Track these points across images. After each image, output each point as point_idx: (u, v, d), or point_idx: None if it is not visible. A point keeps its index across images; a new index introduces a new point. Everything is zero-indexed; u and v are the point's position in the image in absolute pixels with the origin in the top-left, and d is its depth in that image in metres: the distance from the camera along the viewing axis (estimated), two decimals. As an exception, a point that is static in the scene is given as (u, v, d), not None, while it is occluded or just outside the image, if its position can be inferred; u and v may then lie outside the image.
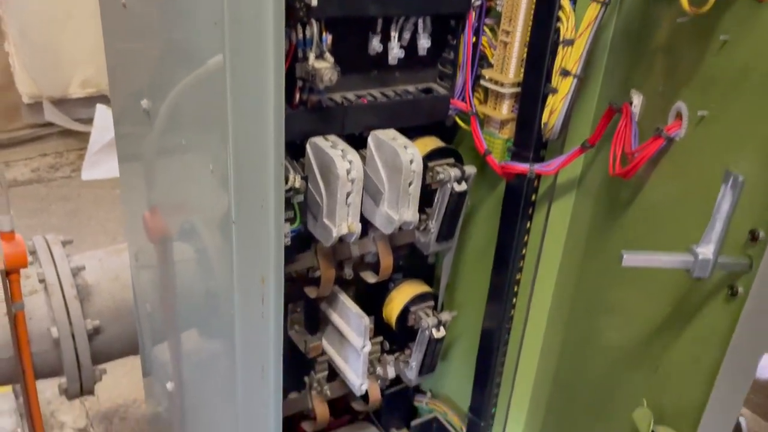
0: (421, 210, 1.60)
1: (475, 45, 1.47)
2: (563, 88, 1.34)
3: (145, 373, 2.43)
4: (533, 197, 1.51)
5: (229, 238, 1.15)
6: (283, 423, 1.74)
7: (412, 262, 1.78)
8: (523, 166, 1.45)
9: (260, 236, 1.15)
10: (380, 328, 1.78)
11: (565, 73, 1.33)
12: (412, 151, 1.39)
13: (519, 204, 1.50)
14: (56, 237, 2.63)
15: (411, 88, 1.52)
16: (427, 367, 1.80)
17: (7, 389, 2.73)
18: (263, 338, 1.23)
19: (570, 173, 1.47)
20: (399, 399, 1.97)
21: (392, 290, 1.77)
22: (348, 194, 1.35)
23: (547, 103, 1.37)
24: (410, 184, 1.41)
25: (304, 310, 1.68)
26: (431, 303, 1.76)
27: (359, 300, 1.75)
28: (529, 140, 1.43)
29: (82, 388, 2.59)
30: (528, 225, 1.54)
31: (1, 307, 2.41)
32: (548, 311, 1.61)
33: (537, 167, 1.44)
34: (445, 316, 1.72)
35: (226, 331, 1.27)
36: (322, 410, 1.69)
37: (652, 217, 1.29)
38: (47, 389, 3.43)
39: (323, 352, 1.66)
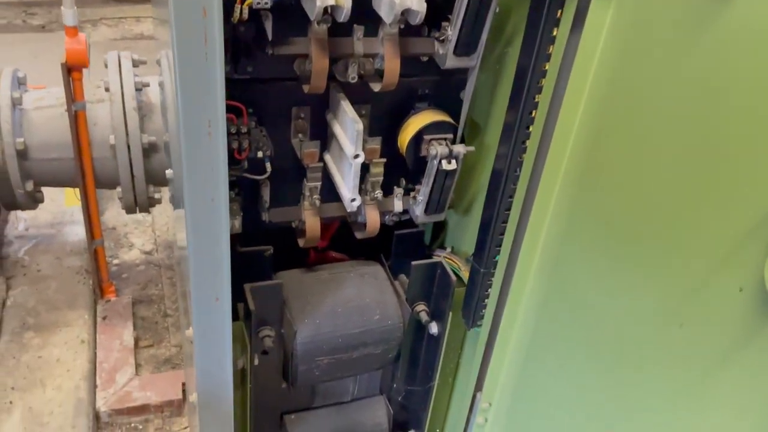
0: (444, 17, 1.41)
1: None
2: None
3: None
4: (558, 13, 1.26)
5: None
6: (277, 241, 1.69)
7: (439, 91, 1.60)
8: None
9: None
10: (395, 163, 1.64)
11: None
12: None
13: (540, 19, 1.27)
14: (129, 53, 2.68)
15: None
16: (435, 204, 1.65)
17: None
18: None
19: None
20: (410, 243, 1.84)
21: (411, 116, 1.61)
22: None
23: None
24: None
25: (309, 117, 1.56)
26: (449, 135, 1.59)
27: (375, 125, 1.61)
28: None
29: (136, 202, 2.70)
30: (550, 49, 1.31)
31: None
32: (566, 158, 1.38)
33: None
34: (459, 148, 1.54)
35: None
36: (312, 223, 1.61)
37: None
38: (124, 214, 3.65)
39: (319, 160, 1.55)
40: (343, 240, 2.03)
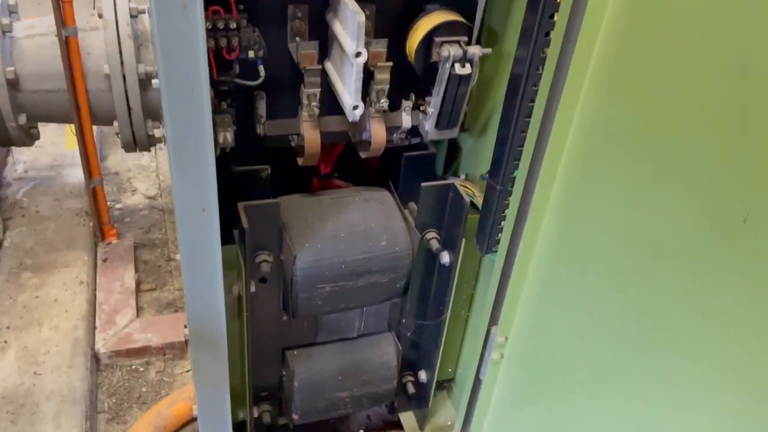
0: None
1: None
2: None
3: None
4: None
5: None
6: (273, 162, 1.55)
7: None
8: None
9: None
10: (403, 73, 1.49)
11: None
12: None
13: None
14: (125, -21, 2.51)
15: None
16: (447, 117, 1.50)
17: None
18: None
19: None
20: (421, 166, 1.69)
21: (420, 18, 1.45)
22: None
23: None
24: None
25: (308, 17, 1.41)
26: (464, 38, 1.43)
27: (380, 27, 1.46)
28: None
29: (135, 139, 2.57)
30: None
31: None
32: (592, 58, 1.22)
33: None
34: (474, 50, 1.39)
35: None
36: (311, 137, 1.46)
37: None
38: (128, 159, 3.53)
39: (318, 63, 1.41)
40: (349, 168, 1.89)
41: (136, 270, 2.75)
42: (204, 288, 1.32)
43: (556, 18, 1.26)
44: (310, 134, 1.46)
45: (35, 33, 2.45)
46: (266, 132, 1.48)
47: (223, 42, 1.30)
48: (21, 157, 3.21)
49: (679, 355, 1.50)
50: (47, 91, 2.46)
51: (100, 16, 2.41)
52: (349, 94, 1.35)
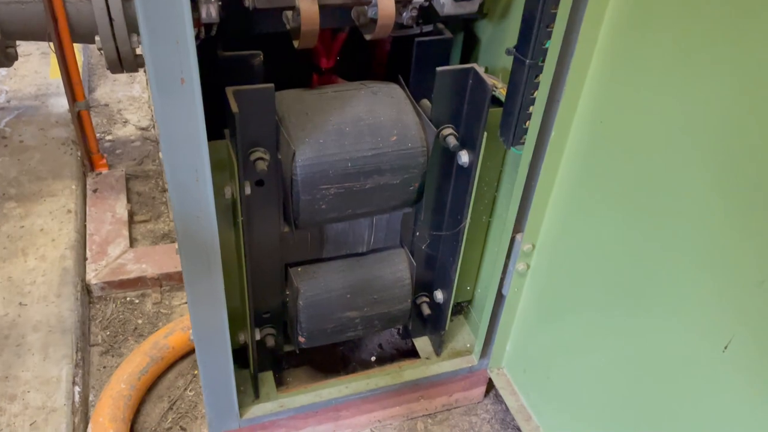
0: None
1: None
2: None
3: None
4: None
5: None
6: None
7: None
8: None
9: None
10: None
11: None
12: None
13: None
14: None
15: None
16: (465, -15, 1.29)
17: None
18: None
19: None
20: (435, 54, 1.48)
21: None
22: None
23: None
24: None
25: None
26: None
27: None
28: None
29: (120, 57, 2.36)
30: None
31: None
32: None
33: None
34: None
35: None
36: (308, 8, 1.26)
37: None
38: (118, 90, 3.33)
39: None
40: (353, 64, 1.69)
41: (129, 201, 2.58)
42: (190, 182, 1.14)
43: None
44: (307, 6, 1.25)
45: (4, -63, 2.22)
46: (256, 4, 1.27)
47: None
48: (3, 87, 3.01)
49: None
50: (21, 2, 2.24)
51: None
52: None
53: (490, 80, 1.52)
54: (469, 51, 1.66)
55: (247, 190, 1.33)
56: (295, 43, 1.35)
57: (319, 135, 1.35)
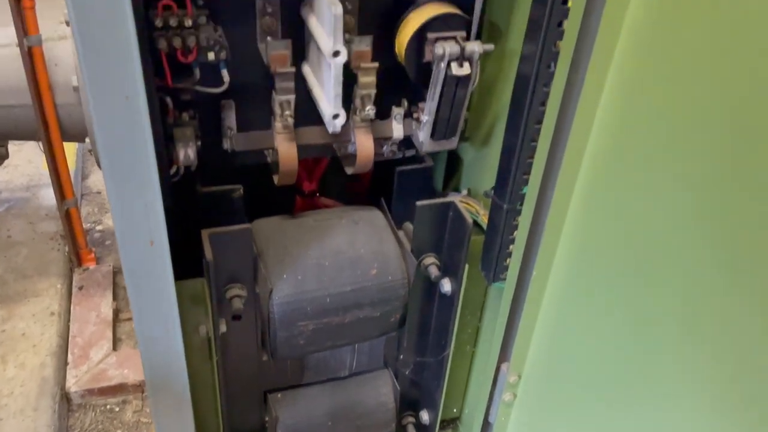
0: None
1: None
2: None
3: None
4: None
5: None
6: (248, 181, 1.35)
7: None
8: None
9: None
10: (393, 77, 1.29)
11: None
12: None
13: None
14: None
15: None
16: (444, 125, 1.29)
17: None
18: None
19: None
20: (416, 181, 1.49)
21: (411, 11, 1.25)
22: None
23: None
24: None
25: (279, 13, 1.21)
26: (461, 33, 1.23)
27: (364, 22, 1.26)
28: None
29: (109, 156, 2.37)
30: None
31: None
32: (616, 50, 1.01)
33: None
34: (474, 46, 1.18)
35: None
36: (287, 151, 1.26)
37: None
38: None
39: (292, 66, 1.20)
40: (337, 185, 1.69)
41: (115, 297, 2.54)
42: (158, 330, 1.12)
43: (570, 4, 1.06)
44: (285, 148, 1.25)
45: (-2, 44, 2.26)
46: (235, 147, 1.28)
47: (178, 42, 1.10)
48: (-6, 178, 3.03)
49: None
50: (11, 106, 2.26)
51: (68, 23, 2.22)
52: (327, 100, 1.15)
53: (472, 207, 1.51)
54: (452, 171, 1.66)
55: (222, 329, 1.30)
56: (275, 179, 1.35)
57: (297, 270, 1.33)
